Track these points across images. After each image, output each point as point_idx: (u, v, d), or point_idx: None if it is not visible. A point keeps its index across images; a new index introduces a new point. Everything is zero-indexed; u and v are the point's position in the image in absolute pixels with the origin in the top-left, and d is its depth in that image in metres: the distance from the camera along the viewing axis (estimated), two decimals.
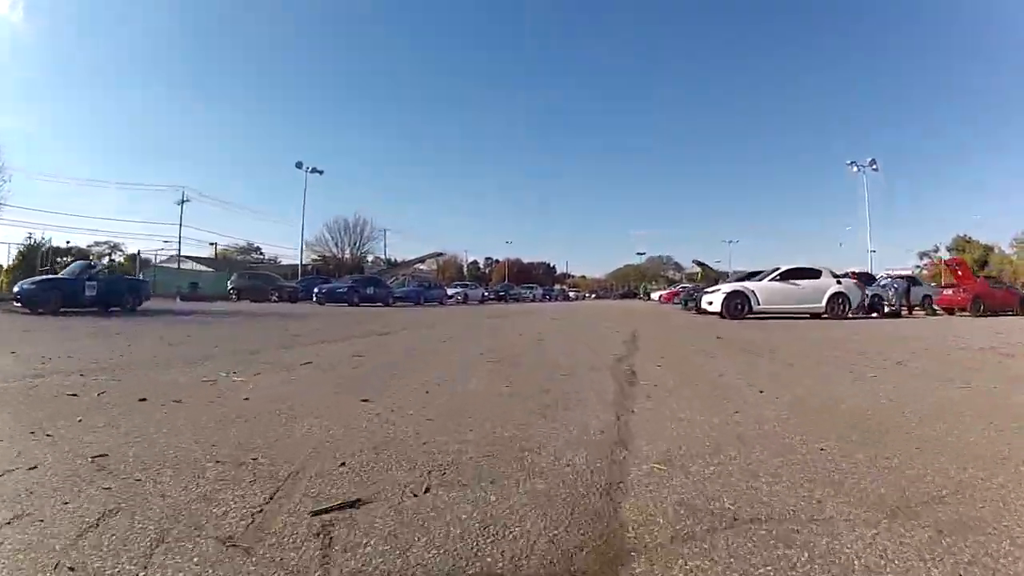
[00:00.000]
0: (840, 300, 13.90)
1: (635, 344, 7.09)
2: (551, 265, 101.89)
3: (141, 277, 24.65)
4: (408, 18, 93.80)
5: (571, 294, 64.78)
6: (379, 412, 2.92)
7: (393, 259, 56.01)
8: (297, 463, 2.03)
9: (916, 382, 4.17)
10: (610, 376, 4.49)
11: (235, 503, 1.64)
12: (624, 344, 7.02)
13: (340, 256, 63.08)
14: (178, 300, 26.71)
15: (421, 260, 48.02)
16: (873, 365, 5.10)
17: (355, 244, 64.13)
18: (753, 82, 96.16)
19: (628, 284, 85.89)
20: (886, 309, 16.35)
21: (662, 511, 1.61)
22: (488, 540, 1.42)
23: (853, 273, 16.88)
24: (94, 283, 13.37)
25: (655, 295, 37.03)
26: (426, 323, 11.68)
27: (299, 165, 45.41)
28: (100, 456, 2.08)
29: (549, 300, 48.08)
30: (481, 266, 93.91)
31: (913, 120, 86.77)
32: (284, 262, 53.72)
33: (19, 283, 13.55)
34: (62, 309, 12.37)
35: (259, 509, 1.60)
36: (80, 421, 2.65)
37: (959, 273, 17.80)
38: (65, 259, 31.16)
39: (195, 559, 1.30)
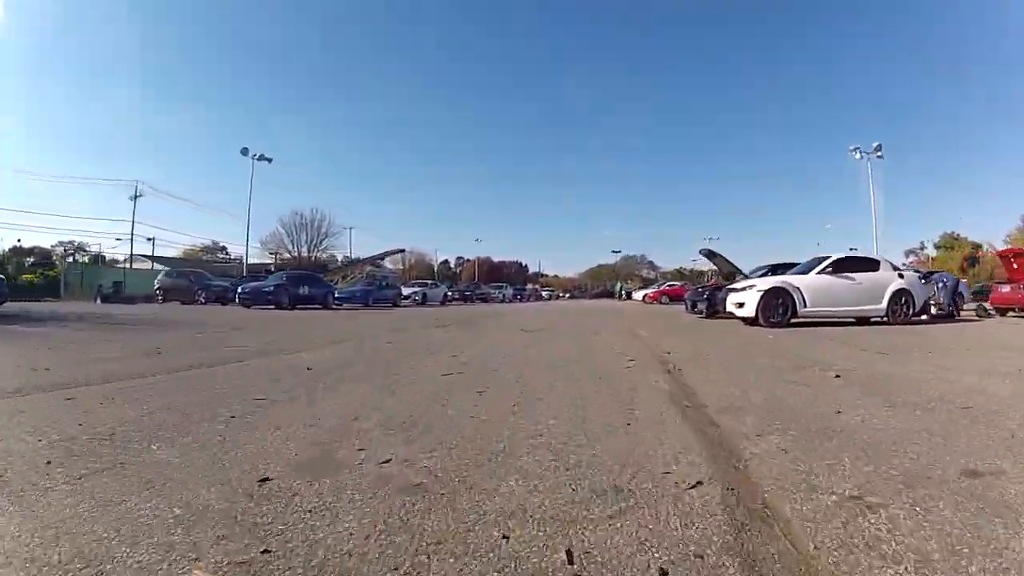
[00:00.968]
0: (903, 299, 10.45)
1: (705, 412, 3.20)
2: (523, 264, 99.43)
3: None
4: (382, 16, 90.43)
5: (544, 293, 61.20)
6: None
7: (357, 257, 51.13)
8: None
9: None
10: None
11: None
12: (685, 412, 3.11)
13: (296, 254, 58.00)
14: (98, 301, 24.03)
15: (381, 257, 43.32)
16: None
17: (312, 241, 59.01)
18: (730, 82, 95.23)
19: (603, 283, 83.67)
20: (933, 310, 13.08)
21: None
22: None
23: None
24: None
25: (637, 294, 33.52)
26: (333, 336, 7.67)
27: (245, 152, 40.58)
28: None
29: (520, 300, 44.26)
30: (452, 265, 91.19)
31: (895, 119, 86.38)
32: (252, 261, 49.52)
33: None
34: None
35: None
36: None
37: (1015, 266, 14.68)
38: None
39: None
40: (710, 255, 13.66)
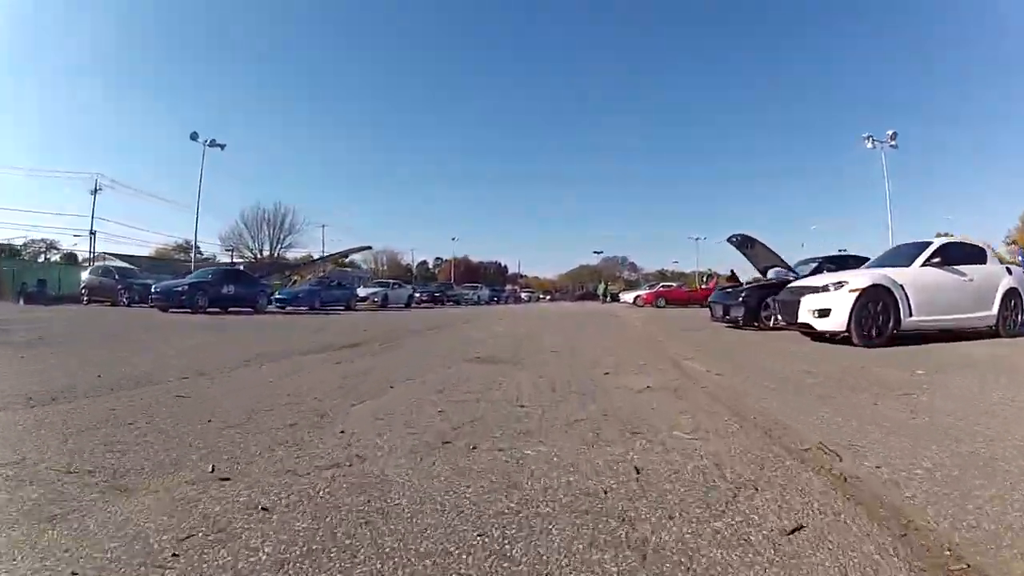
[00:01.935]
0: (1013, 303, 7.34)
1: None
2: (502, 265, 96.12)
3: None
4: (357, 17, 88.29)
5: (523, 295, 57.71)
6: None
7: (322, 255, 46.86)
8: None
9: None
10: None
11: None
12: None
13: (258, 252, 53.44)
14: (21, 302, 21.43)
15: (345, 254, 39.50)
16: None
17: (276, 238, 54.46)
18: (727, 82, 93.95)
19: (584, 284, 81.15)
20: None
21: None
22: None
23: None
24: None
25: (627, 296, 30.09)
26: (120, 371, 4.06)
27: (194, 137, 36.20)
28: None
29: (497, 302, 40.67)
30: (431, 266, 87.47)
31: (893, 118, 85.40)
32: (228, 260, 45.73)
33: None
34: None
35: None
36: None
37: None
38: None
39: None
40: (744, 243, 10.30)
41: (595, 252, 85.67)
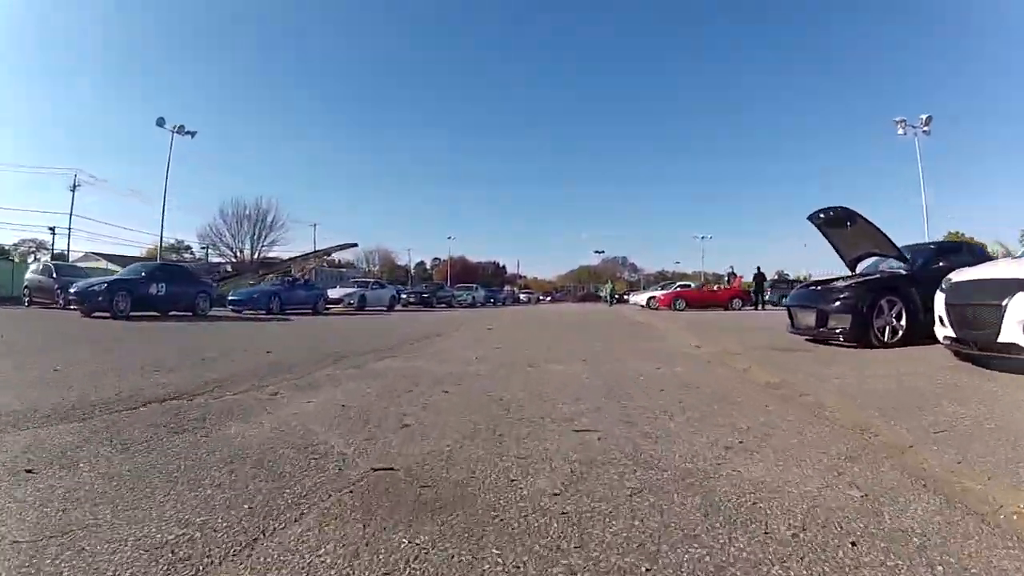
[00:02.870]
0: None
1: None
2: (500, 265, 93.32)
3: None
4: (357, 16, 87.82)
5: (522, 296, 54.62)
6: None
7: (304, 252, 43.62)
8: None
9: None
10: None
11: None
12: None
13: (238, 249, 50.08)
14: None
15: (327, 252, 36.42)
16: None
17: (257, 235, 51.04)
18: (723, 82, 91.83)
19: (586, 285, 79.47)
20: None
21: None
22: None
23: None
24: None
25: (637, 297, 26.94)
26: None
27: (160, 123, 33.16)
28: None
29: (495, 304, 37.52)
30: (428, 266, 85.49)
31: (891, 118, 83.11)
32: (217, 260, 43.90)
33: None
34: None
35: None
36: None
37: None
38: None
39: None
40: (839, 220, 7.25)
41: (596, 252, 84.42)
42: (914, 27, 78.28)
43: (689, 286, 23.75)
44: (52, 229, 35.17)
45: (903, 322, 6.23)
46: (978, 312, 4.17)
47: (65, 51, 66.28)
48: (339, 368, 4.74)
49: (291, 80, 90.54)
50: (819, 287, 7.34)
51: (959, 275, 4.80)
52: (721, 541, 1.36)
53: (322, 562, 1.27)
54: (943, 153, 79.58)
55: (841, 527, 1.45)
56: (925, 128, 29.52)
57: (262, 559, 1.28)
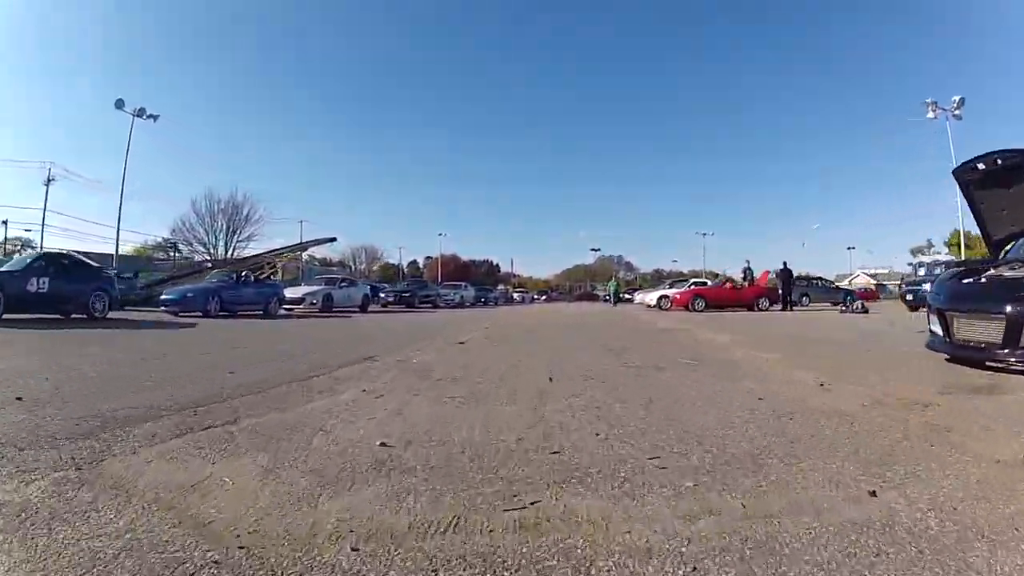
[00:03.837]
0: None
1: None
2: (494, 263, 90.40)
3: None
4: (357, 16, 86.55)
5: (516, 295, 51.50)
6: None
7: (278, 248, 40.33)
8: None
9: None
10: None
11: None
12: None
13: (212, 245, 46.60)
14: None
15: (303, 247, 33.01)
16: None
17: (232, 229, 47.60)
18: (709, 83, 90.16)
19: (582, 284, 77.14)
20: None
21: None
22: None
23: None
24: None
25: (645, 296, 23.86)
26: None
27: (120, 105, 29.97)
28: None
29: (485, 304, 34.40)
30: (421, 265, 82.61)
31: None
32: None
33: None
34: None
35: None
36: None
37: None
38: None
39: None
40: (1004, 176, 4.29)
41: (592, 250, 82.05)
42: (914, 27, 76.41)
43: (705, 283, 20.72)
44: (43, 226, 32.10)
45: None
46: None
47: (65, 51, 65.30)
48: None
49: (291, 80, 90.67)
50: (992, 277, 4.36)
51: None
52: None
53: None
54: (943, 153, 77.48)
55: None
56: (956, 112, 26.87)
57: None
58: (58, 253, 12.74)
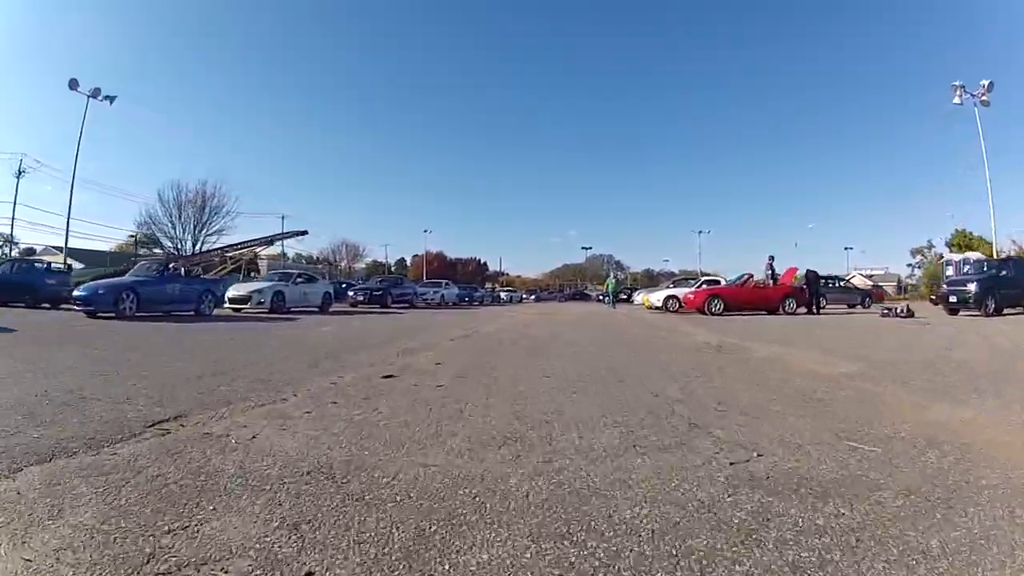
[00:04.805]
0: None
1: None
2: (482, 262, 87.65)
3: None
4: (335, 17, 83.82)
5: (503, 295, 48.62)
6: None
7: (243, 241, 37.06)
8: None
9: None
10: None
11: None
12: None
13: (178, 239, 43.05)
14: None
15: (268, 241, 29.70)
16: None
17: (200, 222, 44.00)
18: (702, 83, 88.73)
19: (574, 283, 74.89)
20: None
21: None
22: None
23: None
24: None
25: (650, 296, 21.05)
26: None
27: (73, 85, 26.95)
28: None
29: (469, 304, 31.53)
30: (409, 263, 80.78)
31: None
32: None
33: None
34: None
35: None
36: None
37: None
38: None
39: None
40: None
41: (584, 248, 79.85)
42: (914, 27, 75.19)
43: (719, 282, 18.05)
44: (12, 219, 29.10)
45: None
46: None
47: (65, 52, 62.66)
48: None
49: (289, 81, 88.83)
50: None
51: None
52: None
53: None
54: (943, 153, 76.78)
55: None
56: (984, 97, 24.68)
57: None
58: None
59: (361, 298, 21.74)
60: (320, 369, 4.57)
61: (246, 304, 15.65)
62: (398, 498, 1.72)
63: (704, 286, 17.35)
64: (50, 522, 1.49)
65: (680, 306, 17.14)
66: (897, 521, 1.54)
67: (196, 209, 43.09)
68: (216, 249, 32.23)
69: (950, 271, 21.63)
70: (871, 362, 5.18)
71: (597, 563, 1.31)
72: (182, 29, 74.34)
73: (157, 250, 40.29)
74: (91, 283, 12.95)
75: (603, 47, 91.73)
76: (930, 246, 59.86)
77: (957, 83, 24.20)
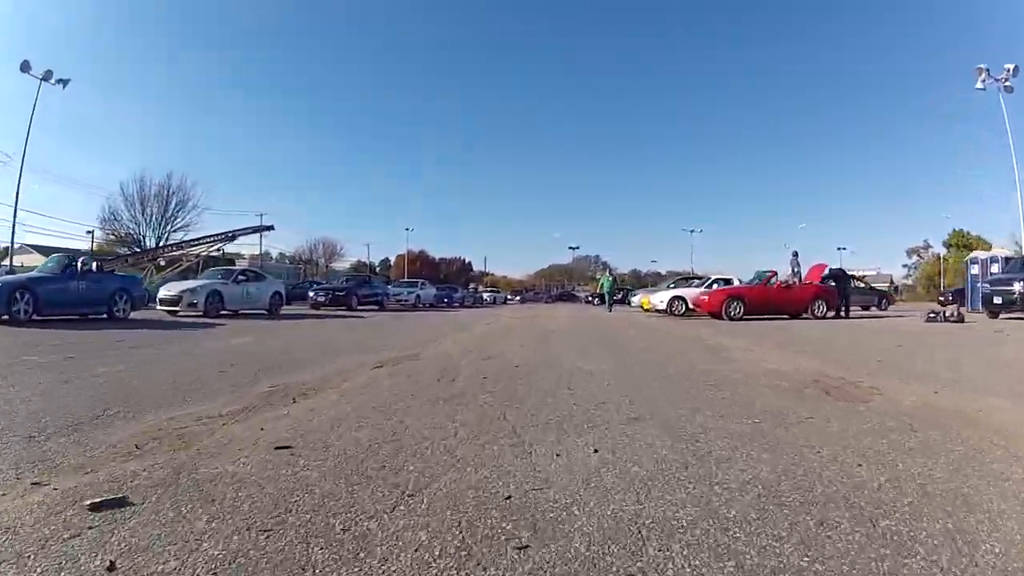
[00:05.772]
0: None
1: None
2: (466, 262, 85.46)
3: None
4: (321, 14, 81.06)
5: (486, 296, 46.12)
6: None
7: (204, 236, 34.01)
8: None
9: None
10: None
11: None
12: None
13: (140, 235, 39.82)
14: None
15: (231, 236, 26.78)
16: None
17: (163, 218, 40.77)
18: (697, 83, 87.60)
19: (560, 284, 72.72)
20: None
21: None
22: None
23: None
24: None
25: (650, 297, 18.49)
26: None
27: (25, 68, 24.25)
28: None
29: (448, 305, 29.00)
30: (393, 263, 78.29)
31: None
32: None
33: None
34: None
35: None
36: None
37: None
38: None
39: None
40: None
41: (570, 248, 78.19)
42: (914, 27, 74.54)
43: (731, 281, 15.80)
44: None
45: None
46: None
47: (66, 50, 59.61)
48: None
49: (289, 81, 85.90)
50: None
51: None
52: None
53: None
54: (942, 153, 76.32)
55: None
56: (1007, 83, 23.00)
57: None
58: None
59: (322, 299, 19.18)
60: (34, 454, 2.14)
61: (176, 306, 13.11)
62: None
63: (715, 286, 15.07)
64: None
65: (687, 309, 14.87)
66: None
67: (160, 203, 40.03)
68: (171, 244, 29.38)
69: (975, 269, 19.81)
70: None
71: None
72: (162, 20, 71.02)
73: (124, 249, 37.19)
74: None
75: (603, 47, 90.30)
76: (927, 246, 58.76)
77: (982, 66, 22.43)
